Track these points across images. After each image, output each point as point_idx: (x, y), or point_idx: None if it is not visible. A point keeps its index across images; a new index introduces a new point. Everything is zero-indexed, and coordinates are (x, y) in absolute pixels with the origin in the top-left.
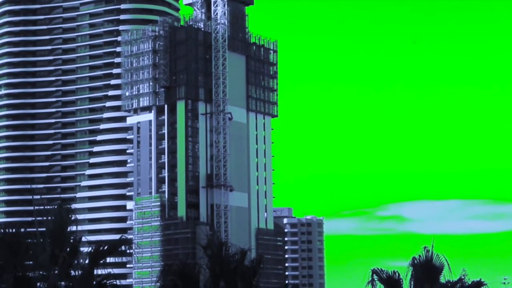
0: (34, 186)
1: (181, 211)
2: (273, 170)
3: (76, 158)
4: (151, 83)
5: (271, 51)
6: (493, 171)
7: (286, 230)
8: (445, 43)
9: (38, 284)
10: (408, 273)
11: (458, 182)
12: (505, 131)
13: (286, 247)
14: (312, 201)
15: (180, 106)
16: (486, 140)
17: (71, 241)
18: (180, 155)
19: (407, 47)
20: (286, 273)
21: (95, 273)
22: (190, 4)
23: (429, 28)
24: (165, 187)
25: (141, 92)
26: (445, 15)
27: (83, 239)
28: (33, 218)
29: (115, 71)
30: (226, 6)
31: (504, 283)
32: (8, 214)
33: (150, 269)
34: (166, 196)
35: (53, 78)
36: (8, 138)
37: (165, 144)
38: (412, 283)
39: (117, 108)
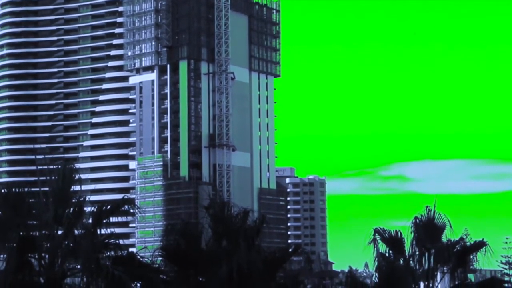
0: (36, 146)
1: (184, 171)
2: (275, 130)
3: (78, 118)
4: (153, 43)
5: (274, 11)
6: (496, 131)
7: (288, 190)
8: (452, 9)
9: (44, 243)
10: (410, 232)
11: (461, 142)
12: (508, 91)
13: (288, 207)
14: (315, 161)
15: (183, 65)
16: (489, 100)
17: (74, 201)
18: (182, 115)
19: (415, 9)
20: (289, 232)
21: (98, 232)
22: None
23: None
24: (168, 147)
25: (143, 51)
26: None
27: (86, 198)
28: (36, 178)
29: (117, 30)
30: None
31: (506, 242)
32: (11, 174)
33: (152, 229)
34: (169, 156)
35: (55, 38)
36: (10, 97)
37: (167, 104)
38: (414, 242)
39: (119, 68)
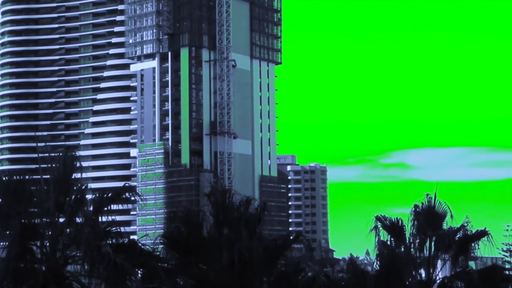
0: (38, 133)
1: (185, 158)
2: (276, 117)
3: (79, 106)
4: (154, 30)
5: None
6: (497, 119)
7: (289, 178)
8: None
9: (46, 231)
10: (411, 220)
11: (462, 130)
12: (510, 78)
13: (289, 195)
14: (316, 148)
15: (184, 53)
16: (491, 87)
17: (76, 188)
18: (183, 102)
19: None
20: (290, 220)
21: (99, 220)
22: None
23: None
24: (169, 135)
25: (144, 39)
26: None
27: (87, 186)
28: (37, 165)
29: (118, 18)
30: None
31: (507, 230)
32: (12, 161)
33: (153, 216)
34: (170, 144)
35: (56, 26)
36: (11, 85)
37: (168, 91)
38: (414, 230)
39: (120, 56)
